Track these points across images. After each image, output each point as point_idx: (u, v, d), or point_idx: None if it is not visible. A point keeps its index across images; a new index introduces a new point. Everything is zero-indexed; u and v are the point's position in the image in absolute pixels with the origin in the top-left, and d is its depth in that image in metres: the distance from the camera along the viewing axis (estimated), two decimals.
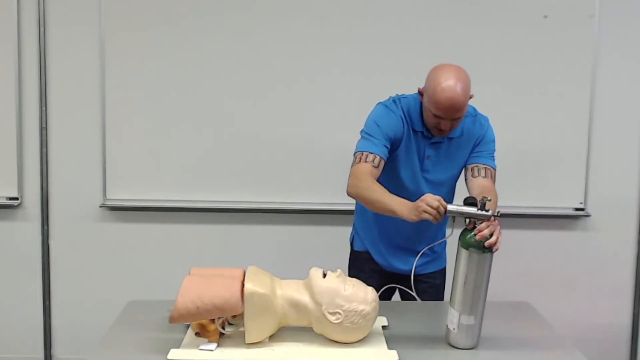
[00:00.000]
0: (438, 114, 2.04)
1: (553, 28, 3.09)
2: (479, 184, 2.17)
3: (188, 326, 1.91)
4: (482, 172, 2.21)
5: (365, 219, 2.39)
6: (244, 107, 3.13)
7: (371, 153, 2.09)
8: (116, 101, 3.12)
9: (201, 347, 1.78)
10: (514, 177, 3.16)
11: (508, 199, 3.16)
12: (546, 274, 3.27)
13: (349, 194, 2.10)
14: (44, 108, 3.15)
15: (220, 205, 3.17)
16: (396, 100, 2.22)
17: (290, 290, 1.84)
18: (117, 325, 2.00)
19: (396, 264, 2.36)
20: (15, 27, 3.07)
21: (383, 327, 1.97)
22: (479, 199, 1.84)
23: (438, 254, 2.41)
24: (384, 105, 2.21)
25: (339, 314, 1.79)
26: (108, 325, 2.00)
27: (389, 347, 1.82)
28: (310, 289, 1.82)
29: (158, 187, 3.16)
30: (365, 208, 2.28)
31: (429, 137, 2.18)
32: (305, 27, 3.09)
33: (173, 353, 1.75)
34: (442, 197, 1.88)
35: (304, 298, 1.82)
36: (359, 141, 2.17)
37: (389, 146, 2.14)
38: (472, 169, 2.22)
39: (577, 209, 3.21)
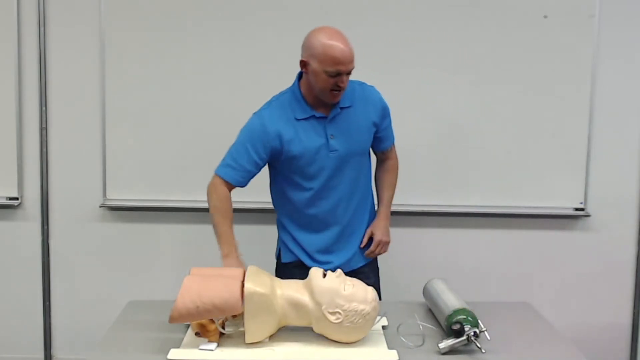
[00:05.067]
0: (336, 68, 2.07)
1: (553, 28, 3.09)
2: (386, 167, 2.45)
3: (188, 326, 1.91)
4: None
5: (289, 226, 2.41)
6: (244, 108, 3.11)
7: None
8: (116, 101, 3.12)
9: (201, 347, 1.78)
10: (514, 177, 3.16)
11: (508, 199, 3.18)
12: (546, 274, 3.27)
13: None
14: (44, 108, 3.15)
15: None
16: (264, 110, 2.29)
17: (290, 290, 1.84)
18: (117, 325, 2.00)
19: (330, 261, 2.33)
20: (15, 27, 3.08)
21: (383, 327, 1.97)
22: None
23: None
24: (249, 126, 2.29)
25: (339, 313, 1.79)
26: (108, 325, 2.00)
27: (389, 347, 1.83)
28: (310, 289, 1.82)
29: (158, 187, 3.16)
30: (286, 217, 2.39)
31: (324, 117, 2.22)
32: (305, 29, 3.08)
33: (173, 353, 1.75)
34: (358, 168, 2.28)
35: (304, 298, 1.82)
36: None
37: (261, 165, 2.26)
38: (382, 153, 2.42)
39: (577, 209, 3.20)
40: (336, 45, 2.06)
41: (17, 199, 3.18)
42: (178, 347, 1.79)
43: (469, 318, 1.82)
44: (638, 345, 3.34)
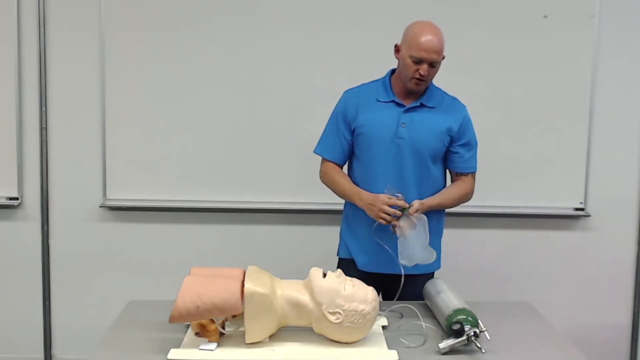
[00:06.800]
0: (419, 54, 2.17)
1: (553, 28, 3.09)
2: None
3: (188, 326, 1.91)
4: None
5: (352, 221, 2.39)
6: (243, 108, 3.13)
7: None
8: (116, 101, 3.12)
9: (201, 347, 1.78)
10: (514, 177, 3.16)
11: (508, 199, 3.18)
12: (546, 274, 3.27)
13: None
14: (44, 108, 3.15)
15: (220, 205, 3.17)
16: (350, 88, 2.40)
17: (291, 290, 1.84)
18: (117, 325, 2.00)
19: (381, 267, 2.30)
20: (15, 28, 3.08)
21: (383, 327, 1.97)
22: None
23: None
24: (337, 103, 2.40)
25: (339, 313, 1.79)
26: (108, 325, 2.00)
27: (389, 347, 1.83)
28: (310, 289, 1.82)
29: (158, 187, 3.16)
30: (351, 212, 2.37)
31: (403, 105, 2.27)
32: (305, 29, 3.09)
33: (173, 353, 1.75)
34: (421, 171, 2.25)
35: (304, 298, 1.82)
36: None
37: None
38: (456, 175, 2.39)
39: (577, 209, 3.21)
40: (425, 34, 2.19)
41: (17, 199, 3.18)
42: (178, 347, 1.79)
43: (469, 318, 1.82)
44: (638, 345, 3.34)
